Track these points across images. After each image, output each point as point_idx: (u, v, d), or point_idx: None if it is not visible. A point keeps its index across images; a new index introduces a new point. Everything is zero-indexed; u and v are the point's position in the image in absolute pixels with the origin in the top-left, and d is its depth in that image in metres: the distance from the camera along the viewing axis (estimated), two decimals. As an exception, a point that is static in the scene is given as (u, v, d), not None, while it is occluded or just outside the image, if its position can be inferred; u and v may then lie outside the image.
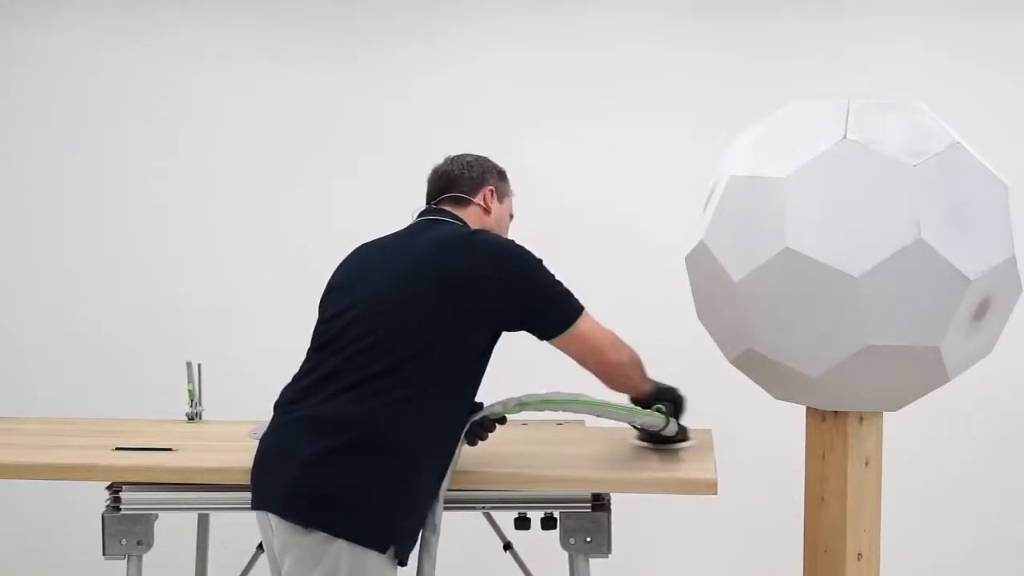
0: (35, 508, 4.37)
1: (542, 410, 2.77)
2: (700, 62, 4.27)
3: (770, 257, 2.33)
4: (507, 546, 3.20)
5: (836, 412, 2.55)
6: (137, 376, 4.34)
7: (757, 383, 2.62)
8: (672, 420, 2.80)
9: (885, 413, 2.59)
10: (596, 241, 4.30)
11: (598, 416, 2.75)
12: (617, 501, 2.81)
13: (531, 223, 4.29)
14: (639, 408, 2.78)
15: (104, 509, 2.82)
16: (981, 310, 2.36)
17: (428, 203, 2.81)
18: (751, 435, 4.07)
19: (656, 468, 2.79)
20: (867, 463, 2.57)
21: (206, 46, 4.38)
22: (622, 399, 2.82)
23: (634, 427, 2.88)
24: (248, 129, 4.37)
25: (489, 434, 2.75)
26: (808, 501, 2.66)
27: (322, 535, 2.46)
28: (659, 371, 4.20)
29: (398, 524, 2.51)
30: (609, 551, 2.79)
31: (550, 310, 2.64)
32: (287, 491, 2.50)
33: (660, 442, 2.86)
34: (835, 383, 2.41)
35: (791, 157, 2.36)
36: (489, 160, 2.89)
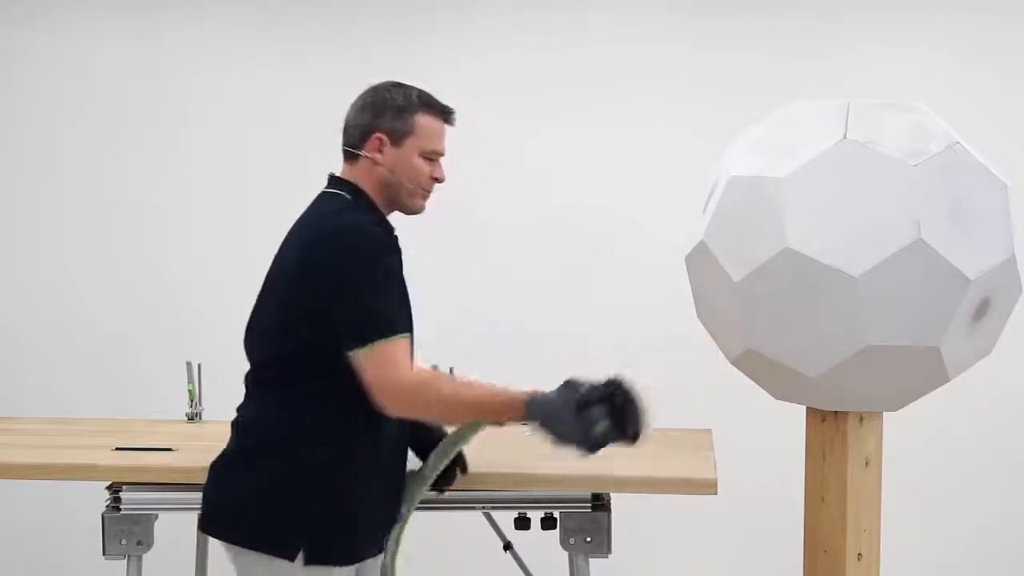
0: (35, 508, 4.37)
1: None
2: (700, 62, 4.27)
3: (770, 257, 2.33)
4: (507, 546, 3.20)
5: (836, 412, 2.55)
6: (137, 376, 4.33)
7: (757, 383, 2.62)
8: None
9: (885, 413, 2.59)
10: (596, 241, 4.30)
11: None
12: (617, 501, 2.81)
13: (531, 222, 4.31)
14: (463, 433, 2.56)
15: (104, 509, 2.82)
16: (981, 310, 2.36)
17: None
18: (751, 435, 4.07)
19: (656, 468, 2.79)
20: (867, 463, 2.56)
21: (206, 46, 4.38)
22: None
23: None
24: (248, 129, 4.37)
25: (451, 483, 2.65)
26: (808, 501, 2.65)
27: (230, 545, 2.48)
28: (660, 371, 4.21)
29: (302, 527, 2.43)
30: (609, 551, 2.79)
31: (351, 319, 2.37)
32: (203, 503, 2.56)
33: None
34: (835, 383, 2.41)
35: (791, 157, 2.35)
36: (394, 90, 2.55)
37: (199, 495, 2.82)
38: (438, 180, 2.57)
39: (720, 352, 2.64)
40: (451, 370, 2.96)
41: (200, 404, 3.35)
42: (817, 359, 2.38)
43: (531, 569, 3.22)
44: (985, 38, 4.22)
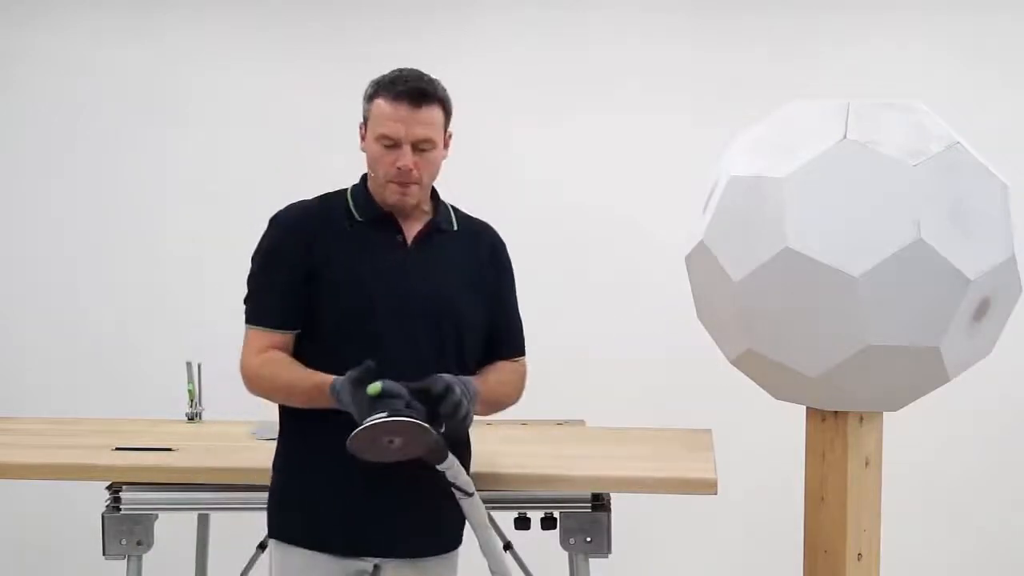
0: (35, 508, 4.37)
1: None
2: (700, 62, 4.28)
3: (770, 257, 2.33)
4: (507, 546, 3.20)
5: (836, 412, 2.55)
6: (137, 376, 4.33)
7: (757, 383, 2.61)
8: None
9: (885, 413, 2.59)
10: (596, 241, 4.30)
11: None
12: (617, 501, 2.81)
13: (531, 222, 4.31)
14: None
15: (104, 509, 2.82)
16: (981, 310, 2.36)
17: None
18: (751, 435, 4.07)
19: (656, 468, 2.79)
20: (867, 463, 2.56)
21: (206, 46, 4.38)
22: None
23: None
24: (248, 129, 4.37)
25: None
26: (808, 501, 2.65)
27: None
28: (660, 371, 4.22)
29: (273, 506, 2.58)
30: (609, 551, 2.79)
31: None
32: None
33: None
34: (835, 383, 2.41)
35: (791, 157, 2.35)
36: (377, 78, 2.52)
37: (199, 495, 2.84)
38: (399, 169, 2.45)
39: (720, 352, 2.64)
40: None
41: (200, 404, 3.35)
42: (817, 359, 2.38)
43: (531, 569, 3.23)
44: (985, 38, 4.22)
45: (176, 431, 3.19)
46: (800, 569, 2.71)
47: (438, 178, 2.58)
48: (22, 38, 4.40)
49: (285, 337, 2.53)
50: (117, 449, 2.93)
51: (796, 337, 2.37)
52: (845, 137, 2.33)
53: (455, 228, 2.62)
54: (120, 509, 2.80)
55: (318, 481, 2.51)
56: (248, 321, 2.58)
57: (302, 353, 2.52)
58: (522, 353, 2.72)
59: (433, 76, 2.56)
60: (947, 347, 2.35)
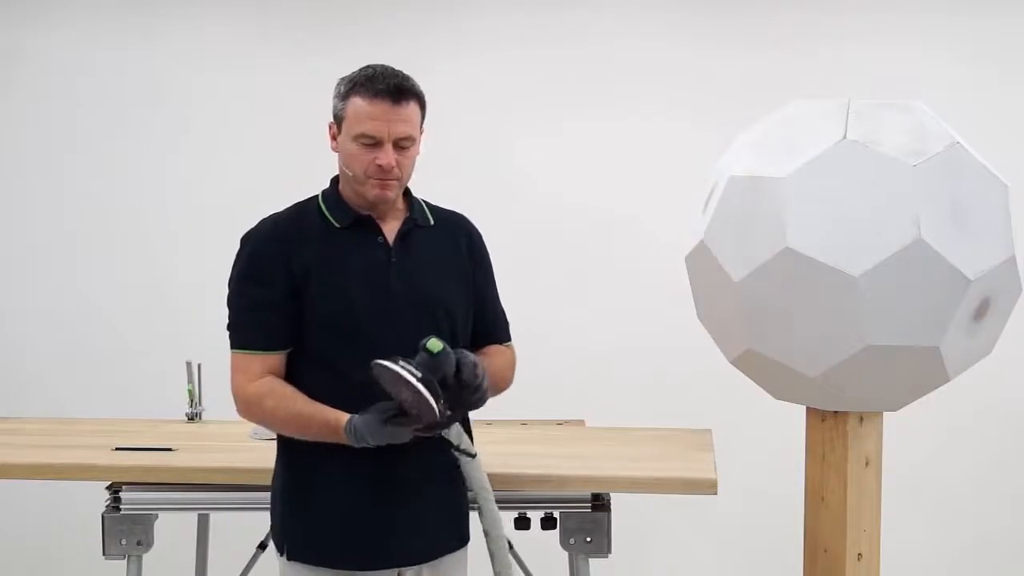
0: (35, 508, 4.37)
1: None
2: (700, 62, 4.28)
3: (770, 257, 2.33)
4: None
5: (836, 412, 2.55)
6: (137, 376, 4.33)
7: (757, 383, 2.62)
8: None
9: (885, 413, 2.59)
10: (596, 241, 4.30)
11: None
12: (617, 501, 2.81)
13: (532, 223, 4.31)
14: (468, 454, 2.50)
15: (104, 509, 2.82)
16: (981, 310, 2.36)
17: None
18: (751, 435, 4.07)
19: (656, 468, 2.79)
20: (867, 463, 2.56)
21: (206, 47, 4.38)
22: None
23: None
24: (248, 129, 4.37)
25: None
26: (808, 501, 2.65)
27: None
28: (660, 371, 4.22)
29: (281, 524, 2.51)
30: (609, 551, 2.79)
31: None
32: None
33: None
34: (835, 383, 2.41)
35: (791, 157, 2.35)
36: (349, 76, 2.47)
37: (199, 495, 2.83)
38: (381, 167, 2.40)
39: (720, 352, 2.64)
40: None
41: (200, 404, 3.35)
42: (817, 359, 2.38)
43: (531, 569, 3.22)
44: (985, 38, 4.22)
45: (176, 431, 3.19)
46: (800, 569, 2.72)
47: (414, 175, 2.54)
48: (22, 38, 4.40)
49: (278, 358, 2.45)
50: (117, 449, 2.94)
51: (796, 337, 2.38)
52: (845, 137, 2.34)
53: (432, 223, 2.57)
54: (120, 509, 2.81)
55: (330, 501, 2.46)
56: (235, 346, 2.46)
57: (295, 367, 2.46)
58: (510, 338, 2.68)
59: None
60: (947, 347, 2.35)
